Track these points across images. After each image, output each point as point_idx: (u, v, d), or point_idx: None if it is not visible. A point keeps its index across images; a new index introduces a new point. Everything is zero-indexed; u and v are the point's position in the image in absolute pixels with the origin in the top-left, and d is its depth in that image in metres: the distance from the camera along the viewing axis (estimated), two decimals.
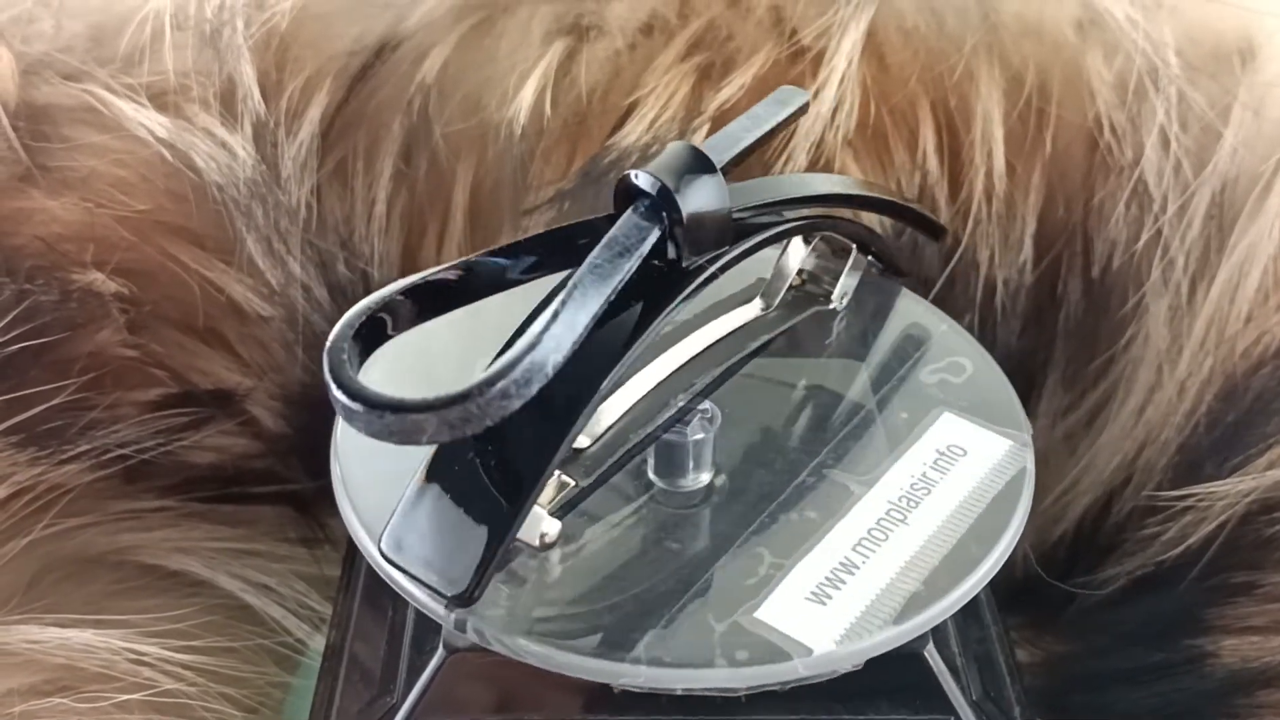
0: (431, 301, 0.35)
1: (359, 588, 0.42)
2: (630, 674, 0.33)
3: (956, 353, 0.43)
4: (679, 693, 0.35)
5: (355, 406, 0.30)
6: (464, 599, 0.33)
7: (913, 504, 0.38)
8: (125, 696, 0.40)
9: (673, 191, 0.34)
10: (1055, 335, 0.50)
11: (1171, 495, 0.45)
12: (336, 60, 0.48)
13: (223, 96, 0.47)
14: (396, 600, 0.38)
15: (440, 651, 0.35)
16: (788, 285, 0.44)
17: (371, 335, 0.33)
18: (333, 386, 0.30)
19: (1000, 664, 0.41)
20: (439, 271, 0.34)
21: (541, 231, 0.36)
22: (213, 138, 0.46)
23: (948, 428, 0.40)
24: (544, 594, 0.35)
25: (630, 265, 0.32)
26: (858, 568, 0.36)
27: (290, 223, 0.47)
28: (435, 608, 0.34)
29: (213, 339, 0.47)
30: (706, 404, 0.38)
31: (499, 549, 0.33)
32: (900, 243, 0.48)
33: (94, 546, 0.45)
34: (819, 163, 0.47)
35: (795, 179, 0.40)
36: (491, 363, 0.30)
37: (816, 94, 0.47)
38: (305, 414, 0.48)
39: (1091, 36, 0.48)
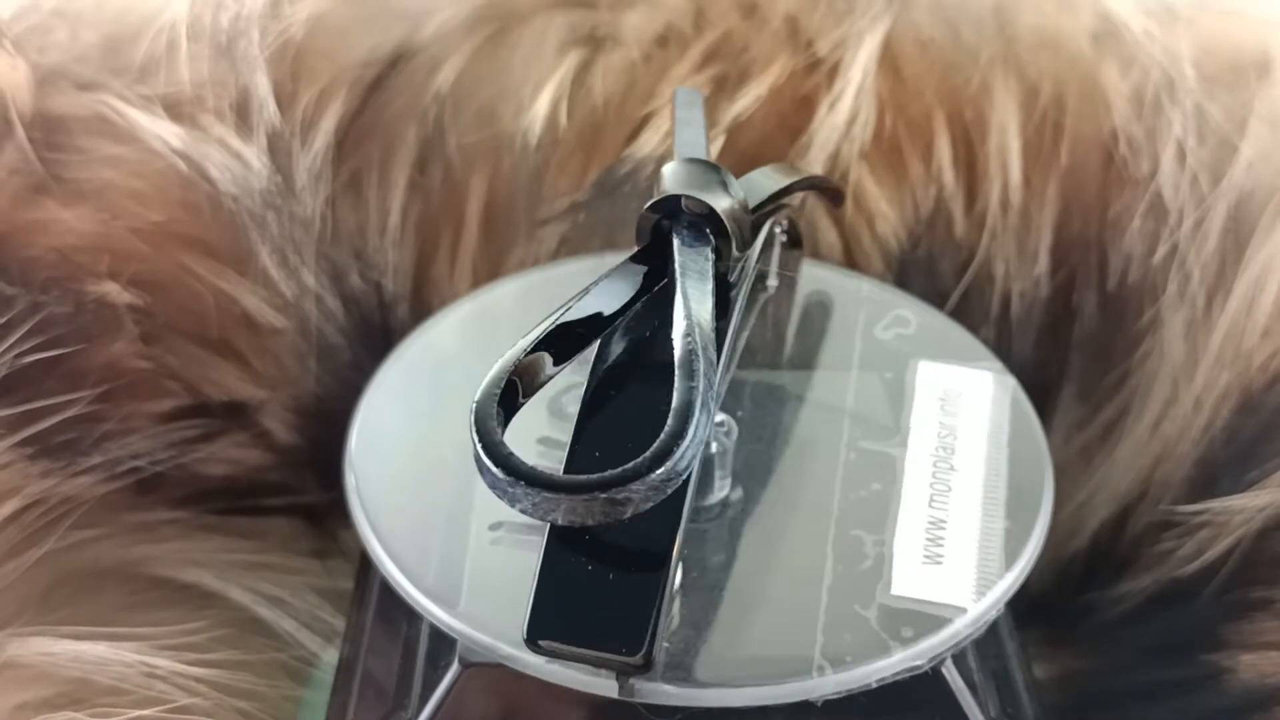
0: (558, 352, 0.34)
1: (372, 601, 0.42)
2: (819, 686, 0.33)
3: (893, 307, 0.44)
4: (873, 685, 0.34)
5: (518, 489, 0.29)
6: (646, 664, 0.32)
7: (949, 450, 0.38)
8: (138, 711, 0.40)
9: (714, 207, 0.34)
10: (1070, 348, 0.50)
11: (1188, 510, 0.45)
12: (351, 71, 0.48)
13: (238, 107, 0.47)
14: (411, 614, 0.38)
15: (455, 666, 0.35)
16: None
17: (509, 398, 0.32)
18: (487, 461, 0.30)
19: (1017, 680, 0.41)
20: (548, 326, 0.34)
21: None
22: (227, 148, 0.46)
23: (932, 374, 0.41)
24: (679, 633, 0.34)
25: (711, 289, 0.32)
26: (945, 522, 0.37)
27: (304, 233, 0.47)
28: (605, 683, 0.33)
29: (226, 350, 0.47)
30: (721, 416, 0.38)
31: (661, 605, 0.32)
32: (915, 255, 0.48)
33: (106, 559, 0.45)
34: (834, 174, 0.47)
35: (748, 178, 0.39)
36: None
37: (832, 106, 0.47)
38: (318, 426, 0.48)
39: (1108, 49, 0.48)
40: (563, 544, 0.32)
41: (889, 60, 0.48)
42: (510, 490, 0.29)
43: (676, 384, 0.31)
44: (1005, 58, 0.48)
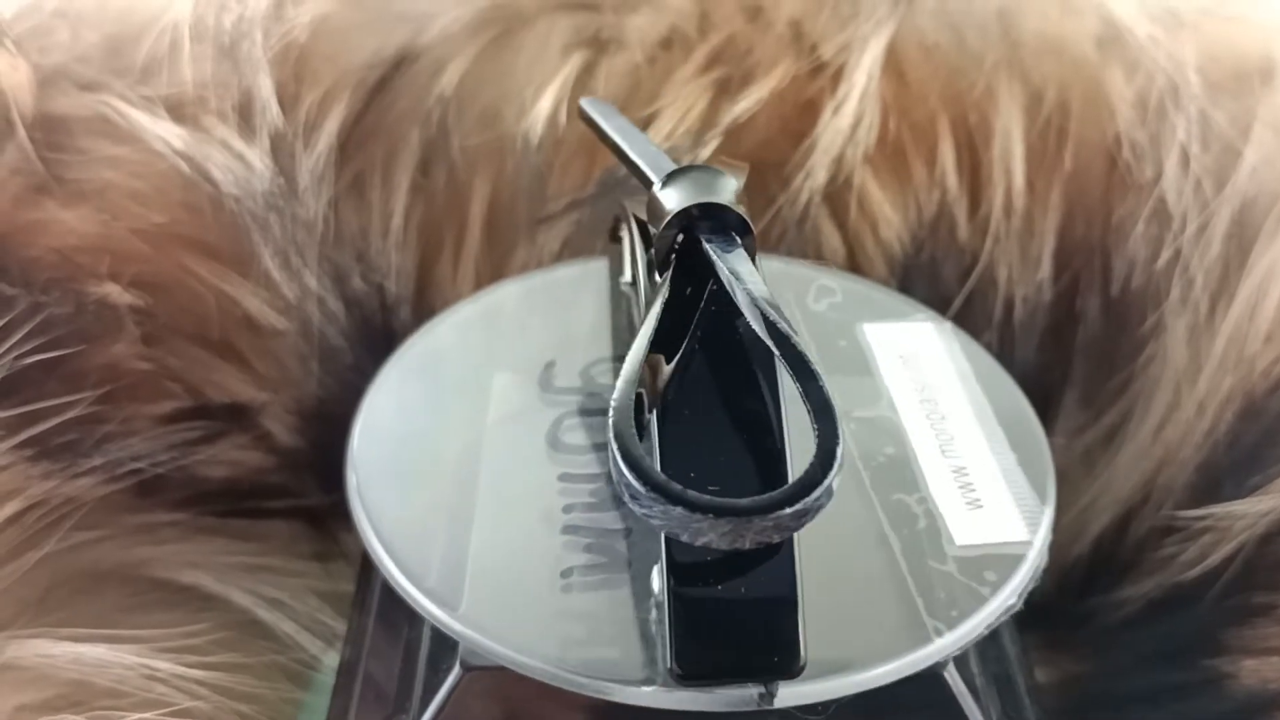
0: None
1: (373, 604, 0.42)
2: (943, 647, 0.34)
3: (812, 280, 0.44)
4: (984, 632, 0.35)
5: (662, 508, 0.28)
6: (802, 668, 0.32)
7: (934, 403, 0.39)
8: (138, 714, 0.40)
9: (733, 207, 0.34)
10: (1073, 353, 0.50)
11: (1190, 515, 0.45)
12: (354, 73, 0.48)
13: (240, 108, 0.47)
14: (412, 617, 0.38)
15: (456, 669, 0.35)
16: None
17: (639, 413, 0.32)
18: (633, 480, 0.29)
19: (1019, 684, 0.41)
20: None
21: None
22: (230, 150, 0.46)
23: (880, 336, 0.42)
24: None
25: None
26: (965, 469, 0.38)
27: (307, 235, 0.47)
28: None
29: (227, 352, 0.47)
30: None
31: (801, 607, 0.32)
32: (919, 260, 0.48)
33: (106, 560, 0.45)
34: (838, 179, 0.47)
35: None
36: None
37: (836, 110, 0.47)
38: (319, 428, 0.48)
39: (1112, 54, 0.48)
40: (686, 571, 0.32)
41: (893, 64, 0.48)
42: (662, 513, 0.28)
43: (813, 402, 0.30)
44: (1009, 62, 0.48)
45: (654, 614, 0.34)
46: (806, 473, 0.29)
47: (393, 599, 0.37)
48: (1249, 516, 0.43)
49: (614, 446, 0.29)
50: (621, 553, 0.36)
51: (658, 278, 0.35)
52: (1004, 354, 0.47)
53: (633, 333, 0.35)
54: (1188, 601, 0.45)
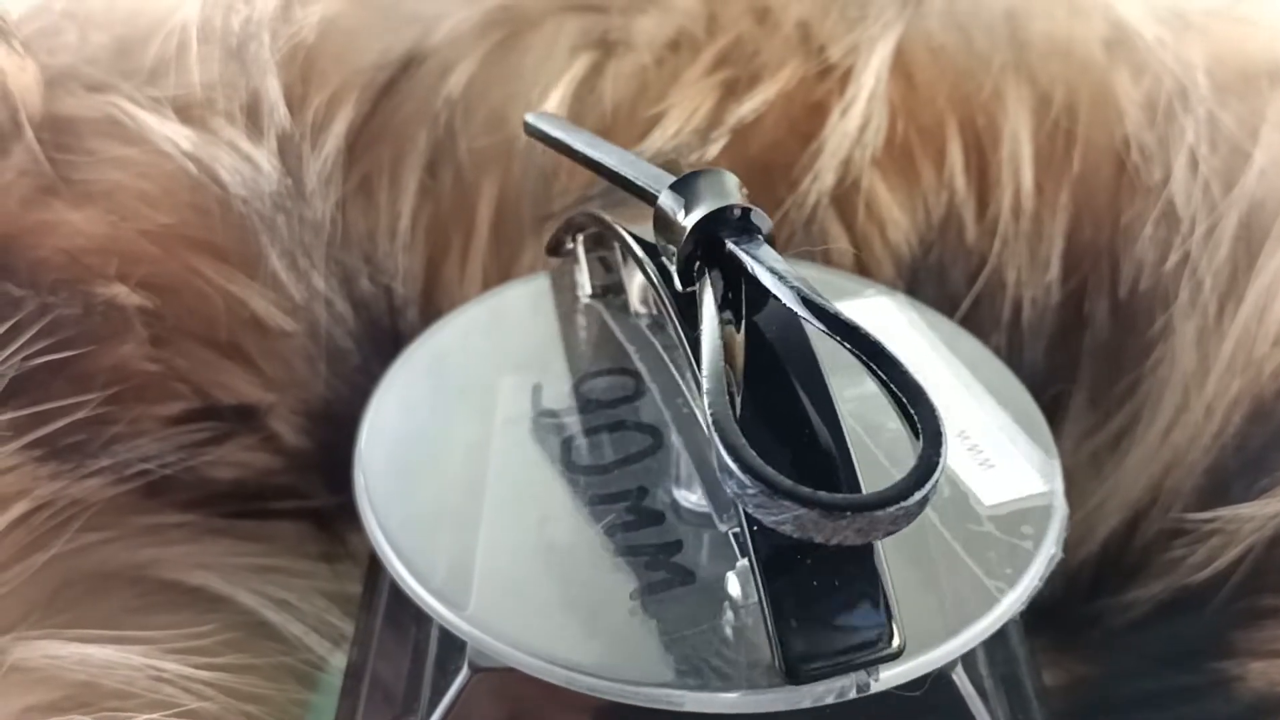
0: None
1: (381, 605, 0.42)
2: (1010, 606, 0.35)
3: None
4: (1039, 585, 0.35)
5: (794, 513, 0.28)
6: (901, 649, 0.32)
7: (915, 371, 0.38)
8: (145, 714, 0.40)
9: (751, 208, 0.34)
10: (1081, 356, 0.50)
11: (1198, 518, 0.45)
12: (362, 74, 0.48)
13: (248, 110, 0.47)
14: (419, 618, 0.38)
15: (465, 670, 0.35)
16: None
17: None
18: (738, 472, 0.28)
19: (1027, 686, 0.41)
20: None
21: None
22: (237, 151, 0.46)
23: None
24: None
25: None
26: (967, 432, 0.39)
27: (314, 237, 0.47)
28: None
29: (235, 353, 0.47)
30: None
31: (889, 587, 0.32)
32: (927, 262, 0.48)
33: (114, 562, 0.45)
34: (846, 181, 0.47)
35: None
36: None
37: (844, 112, 0.47)
38: (327, 429, 0.48)
39: (1120, 57, 0.48)
40: (779, 572, 0.32)
41: (901, 66, 0.48)
42: (794, 519, 0.28)
43: (900, 386, 0.30)
44: (1017, 65, 0.48)
45: (729, 616, 0.34)
46: (922, 458, 0.28)
47: (400, 600, 0.37)
48: (1257, 519, 0.43)
49: (731, 459, 0.28)
50: (629, 553, 0.36)
51: (677, 285, 0.35)
52: (1012, 356, 0.47)
53: (606, 346, 0.36)
54: (1196, 604, 0.45)
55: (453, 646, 0.36)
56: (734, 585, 0.34)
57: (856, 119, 0.47)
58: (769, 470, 0.28)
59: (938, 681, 0.35)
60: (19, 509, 0.42)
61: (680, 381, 0.39)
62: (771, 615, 0.32)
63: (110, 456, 0.44)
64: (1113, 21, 0.48)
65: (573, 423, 0.40)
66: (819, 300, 0.31)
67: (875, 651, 0.32)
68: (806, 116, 0.48)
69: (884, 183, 0.48)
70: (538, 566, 0.36)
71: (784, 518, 0.28)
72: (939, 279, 0.49)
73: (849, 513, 0.27)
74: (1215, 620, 0.44)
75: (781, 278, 0.32)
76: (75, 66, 0.47)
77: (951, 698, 0.36)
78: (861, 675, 0.32)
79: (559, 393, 0.41)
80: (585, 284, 0.44)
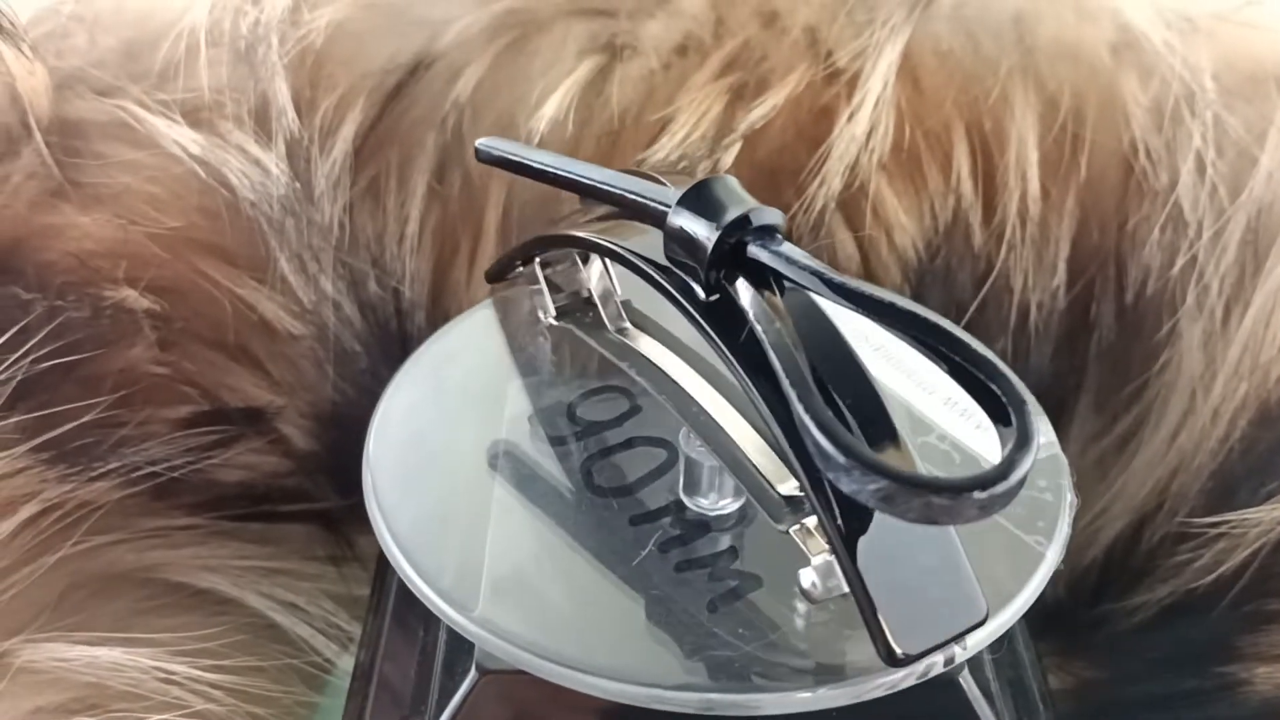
0: None
1: (388, 607, 0.42)
2: (1052, 558, 0.35)
3: None
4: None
5: (922, 500, 0.28)
6: (986, 614, 0.33)
7: (882, 347, 0.39)
8: (154, 716, 0.40)
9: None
10: (1088, 359, 0.50)
11: (1204, 521, 0.45)
12: (370, 78, 0.48)
13: (256, 113, 0.47)
14: (427, 621, 0.38)
15: (473, 673, 0.35)
16: None
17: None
18: (834, 454, 0.28)
19: (1033, 689, 0.41)
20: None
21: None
22: (246, 155, 0.46)
23: None
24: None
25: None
26: (951, 399, 0.39)
27: (322, 240, 0.47)
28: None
29: (243, 356, 0.47)
30: None
31: (962, 554, 0.33)
32: (934, 266, 0.48)
33: (122, 564, 0.45)
34: (853, 185, 0.47)
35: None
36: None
37: (851, 116, 0.47)
38: (334, 432, 0.48)
39: (1127, 61, 0.47)
40: (868, 557, 0.32)
41: (908, 71, 0.48)
42: (923, 506, 0.28)
43: (974, 363, 0.30)
44: (1025, 69, 0.48)
45: (803, 611, 0.35)
46: (1020, 431, 0.29)
47: (407, 602, 0.37)
48: (1264, 524, 0.43)
49: (849, 457, 0.28)
50: (637, 554, 0.36)
51: (699, 295, 0.35)
52: (1018, 360, 0.47)
53: (586, 365, 0.38)
54: (1202, 608, 0.45)
55: (460, 649, 0.36)
56: (809, 581, 0.34)
57: (864, 123, 0.47)
58: (892, 466, 0.28)
59: (944, 685, 0.35)
60: (27, 511, 0.42)
61: (689, 390, 0.40)
62: (870, 601, 0.32)
63: (118, 459, 0.44)
64: (1120, 25, 0.47)
65: (585, 446, 0.40)
66: (871, 291, 0.32)
67: (966, 620, 0.33)
68: (813, 121, 0.48)
69: (891, 187, 0.48)
70: (546, 568, 0.36)
71: (912, 505, 0.28)
72: (945, 283, 0.49)
73: (976, 490, 0.28)
74: (1221, 624, 0.44)
75: (821, 275, 0.32)
76: (84, 70, 0.47)
77: (958, 701, 0.36)
78: (950, 648, 0.33)
79: (555, 417, 0.42)
80: (549, 306, 0.44)
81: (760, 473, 0.37)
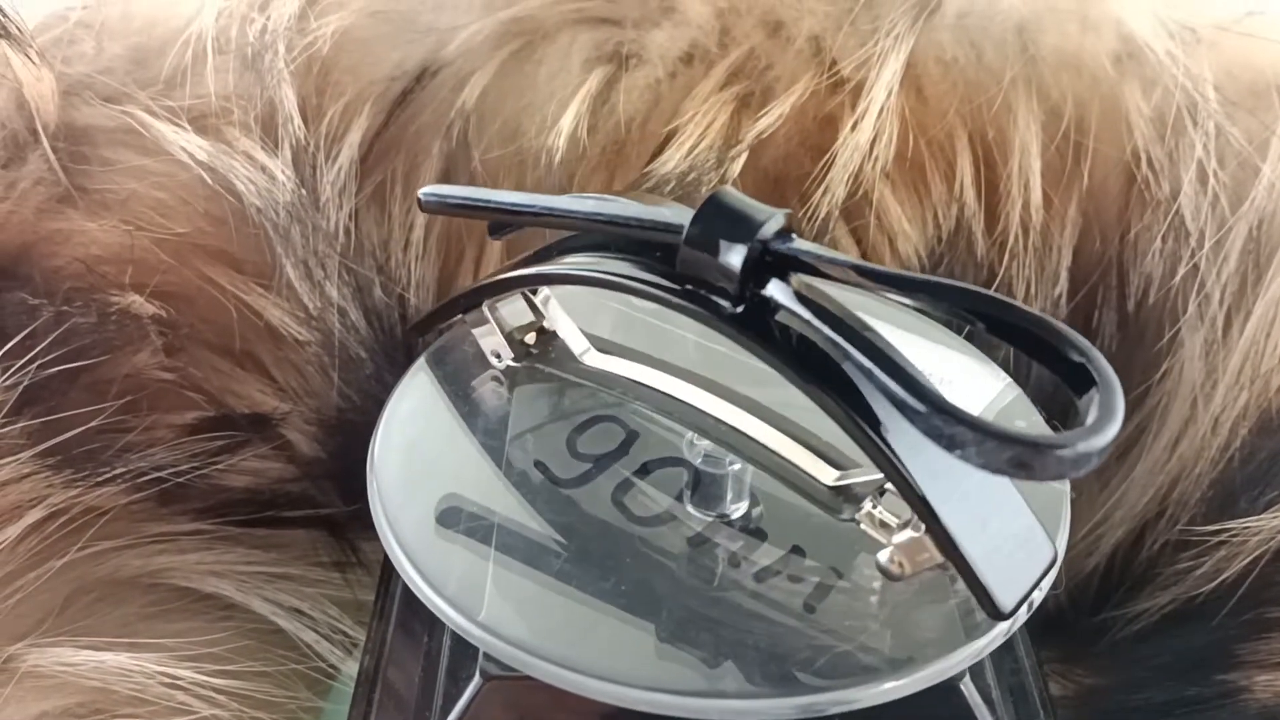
0: None
1: (393, 613, 0.42)
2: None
3: None
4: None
5: (1055, 455, 0.29)
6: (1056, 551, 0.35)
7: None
8: None
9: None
10: None
11: (1205, 530, 0.45)
12: (377, 85, 0.48)
13: (263, 120, 0.47)
14: (432, 627, 0.38)
15: (477, 679, 0.35)
16: None
17: None
18: (1002, 444, 0.30)
19: (1034, 697, 0.41)
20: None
21: None
22: (252, 161, 0.46)
23: None
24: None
25: None
26: (948, 379, 0.40)
27: (328, 247, 0.47)
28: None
29: (249, 362, 0.47)
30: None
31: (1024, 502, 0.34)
32: (937, 274, 0.49)
33: (128, 569, 0.45)
34: (857, 193, 0.47)
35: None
36: None
37: (855, 125, 0.47)
38: (340, 438, 0.48)
39: (1130, 71, 0.48)
40: (957, 524, 0.34)
41: (912, 80, 0.48)
42: (1057, 461, 0.29)
43: (1035, 324, 0.32)
44: (1028, 78, 0.48)
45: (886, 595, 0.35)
46: (1107, 384, 0.31)
47: (412, 608, 0.37)
48: (1264, 532, 0.43)
49: (985, 432, 0.30)
50: (643, 562, 0.36)
51: (726, 307, 0.35)
52: (1019, 368, 0.47)
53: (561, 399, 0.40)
54: (1202, 616, 0.45)
55: (465, 655, 0.36)
56: (893, 561, 0.35)
57: (867, 132, 0.47)
58: (1028, 434, 0.29)
59: (946, 692, 0.35)
60: (33, 516, 0.42)
61: (696, 403, 0.40)
62: (969, 564, 0.33)
63: (124, 464, 0.44)
64: (1123, 36, 0.48)
65: (606, 482, 0.40)
66: (914, 276, 0.33)
67: (1041, 564, 0.34)
68: (818, 130, 0.48)
69: (894, 195, 0.48)
70: (551, 574, 0.36)
71: (1051, 461, 0.29)
72: None
73: (1099, 445, 0.29)
74: (1222, 632, 0.44)
75: (862, 269, 0.33)
76: (91, 76, 0.47)
77: (960, 707, 0.36)
78: (1032, 592, 0.34)
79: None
80: (503, 348, 0.43)
81: (802, 469, 0.39)
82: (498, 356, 0.43)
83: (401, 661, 0.41)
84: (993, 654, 0.38)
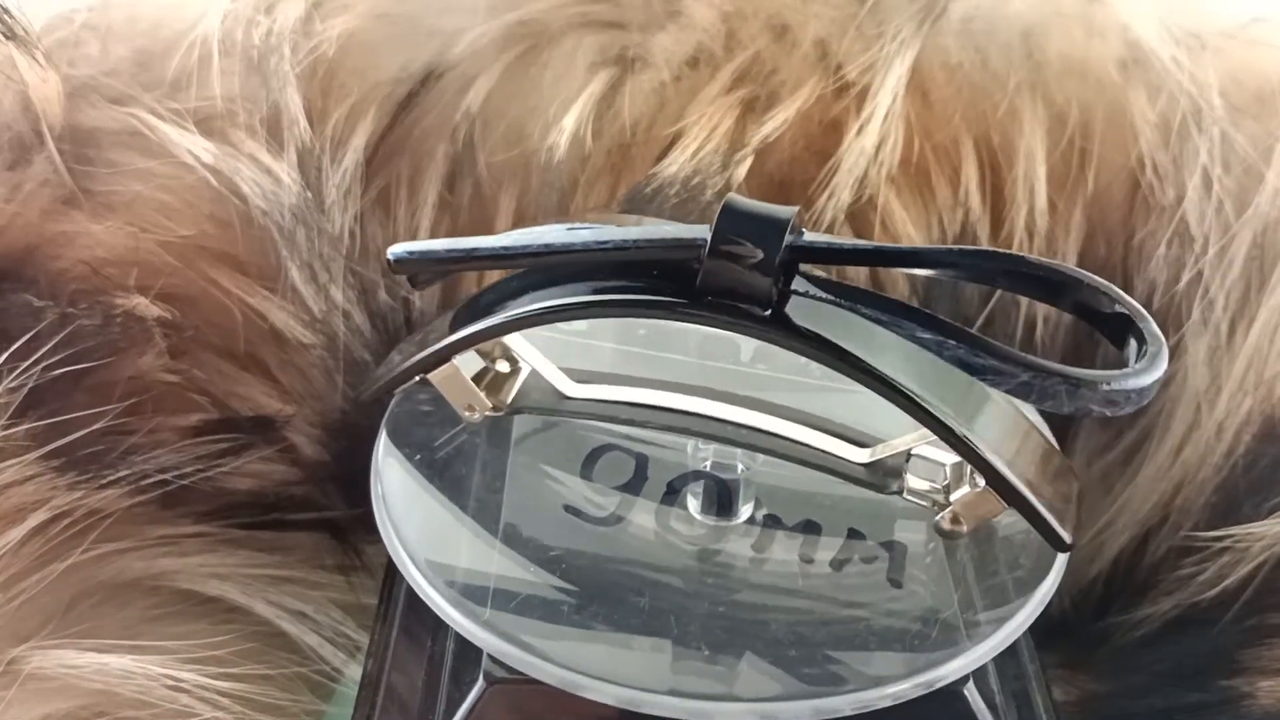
0: None
1: (396, 617, 0.42)
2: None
3: None
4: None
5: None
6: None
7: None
8: None
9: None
10: None
11: (1208, 536, 0.45)
12: (382, 88, 0.48)
13: (268, 122, 0.47)
14: (435, 630, 0.38)
15: (480, 683, 0.35)
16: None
17: None
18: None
19: (1037, 702, 0.41)
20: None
21: None
22: (258, 164, 0.46)
23: None
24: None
25: None
26: None
27: (333, 250, 0.47)
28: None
29: (253, 365, 0.47)
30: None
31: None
32: (942, 280, 0.49)
33: (131, 571, 0.45)
34: (862, 198, 0.47)
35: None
36: None
37: (860, 130, 0.47)
38: (344, 441, 0.48)
39: (1135, 76, 0.48)
40: (1013, 473, 0.36)
41: (917, 85, 0.48)
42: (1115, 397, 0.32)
43: (1064, 272, 0.35)
44: (1033, 84, 0.48)
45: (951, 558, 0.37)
46: (1147, 328, 0.34)
47: (416, 612, 0.37)
48: (1267, 538, 0.43)
49: (1070, 377, 0.33)
50: (646, 565, 0.36)
51: (757, 312, 0.35)
52: None
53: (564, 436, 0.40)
54: (1205, 622, 0.45)
55: (468, 659, 0.36)
56: (955, 519, 0.38)
57: (873, 137, 0.47)
58: (1113, 372, 0.33)
59: (949, 697, 0.35)
60: (37, 518, 0.42)
61: (708, 413, 0.40)
62: (1033, 507, 0.36)
63: (128, 467, 0.44)
64: (1129, 42, 0.48)
65: (645, 512, 0.40)
66: (940, 248, 0.36)
67: (1074, 490, 0.38)
68: (823, 134, 0.48)
69: (899, 200, 0.48)
70: (555, 576, 0.36)
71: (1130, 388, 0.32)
72: (953, 296, 0.49)
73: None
74: (1225, 638, 0.44)
75: (885, 251, 0.34)
76: (96, 78, 0.47)
77: (963, 713, 0.36)
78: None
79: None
80: (480, 399, 0.41)
81: (833, 454, 0.40)
82: (471, 410, 0.41)
83: (404, 665, 0.41)
84: (996, 659, 0.39)
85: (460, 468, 0.40)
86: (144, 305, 0.45)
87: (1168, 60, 0.47)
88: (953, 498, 0.38)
